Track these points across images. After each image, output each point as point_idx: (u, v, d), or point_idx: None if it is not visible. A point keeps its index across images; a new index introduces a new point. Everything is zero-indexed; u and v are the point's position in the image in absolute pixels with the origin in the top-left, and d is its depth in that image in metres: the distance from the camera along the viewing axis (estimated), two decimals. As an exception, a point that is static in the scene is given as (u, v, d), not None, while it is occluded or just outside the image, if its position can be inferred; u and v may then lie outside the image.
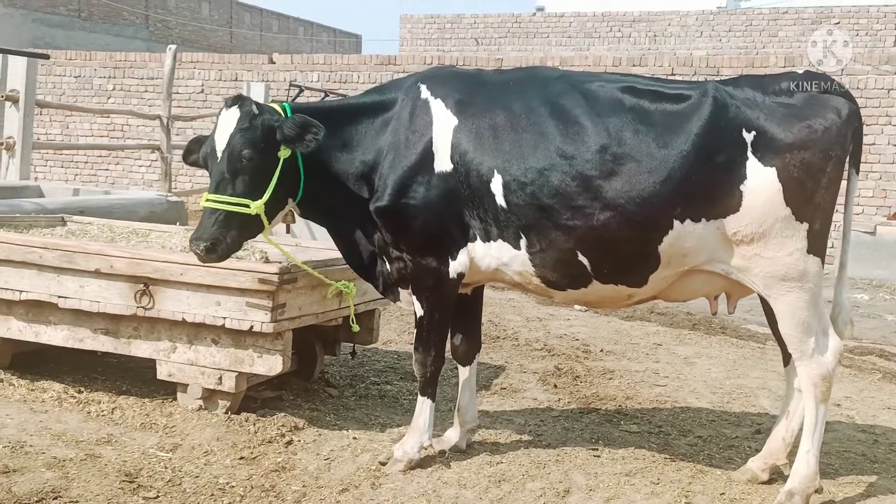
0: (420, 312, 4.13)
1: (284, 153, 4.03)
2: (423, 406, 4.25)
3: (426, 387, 4.24)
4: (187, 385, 4.72)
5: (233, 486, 3.94)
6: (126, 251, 4.68)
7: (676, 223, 3.66)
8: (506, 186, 3.80)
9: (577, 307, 8.43)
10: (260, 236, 4.25)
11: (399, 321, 7.38)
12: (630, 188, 3.63)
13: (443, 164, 3.93)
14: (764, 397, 5.87)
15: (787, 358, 4.16)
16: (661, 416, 5.29)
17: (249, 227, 4.07)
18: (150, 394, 4.98)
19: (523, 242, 3.86)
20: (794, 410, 4.12)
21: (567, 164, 3.70)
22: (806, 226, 3.65)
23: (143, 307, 4.63)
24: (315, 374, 5.49)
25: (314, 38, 54.90)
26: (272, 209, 4.12)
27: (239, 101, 4.23)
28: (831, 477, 4.33)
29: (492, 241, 3.94)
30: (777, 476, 4.24)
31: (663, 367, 6.57)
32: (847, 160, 3.76)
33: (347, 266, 4.90)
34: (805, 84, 3.76)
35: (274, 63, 15.88)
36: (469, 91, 4.01)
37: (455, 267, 4.02)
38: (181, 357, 4.71)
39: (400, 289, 4.29)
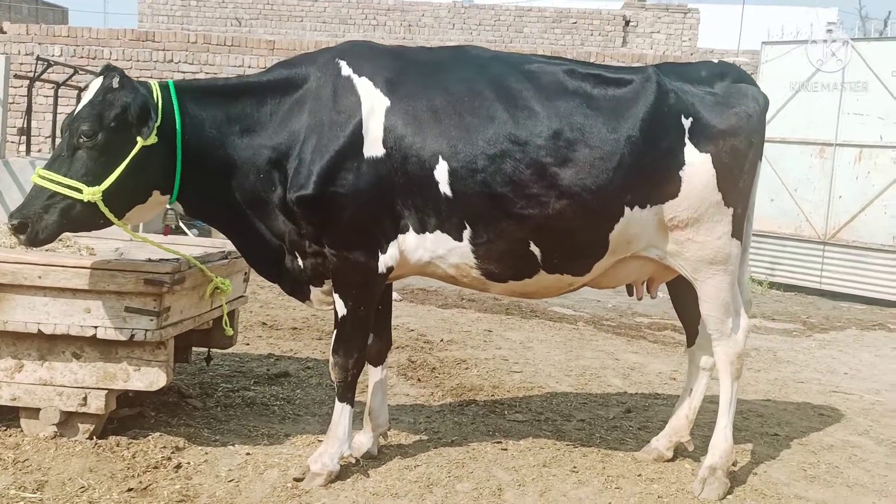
0: (343, 311, 3.76)
1: (143, 139, 3.48)
2: (343, 413, 3.90)
3: (346, 392, 3.89)
4: (38, 410, 3.96)
5: (141, 525, 3.36)
6: (-41, 251, 3.82)
7: (626, 210, 3.65)
8: (452, 174, 3.56)
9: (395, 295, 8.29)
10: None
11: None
12: (585, 175, 3.55)
13: (374, 148, 3.60)
14: (612, 376, 6.13)
15: (691, 339, 4.34)
16: (536, 403, 5.32)
17: (83, 215, 3.51)
18: (-26, 423, 4.13)
19: (467, 233, 3.63)
20: (697, 389, 4.31)
21: (520, 151, 3.53)
22: (731, 210, 3.81)
23: (-18, 319, 3.80)
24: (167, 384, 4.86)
25: (12, 8, 49.47)
26: (122, 200, 3.57)
27: (104, 71, 3.62)
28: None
29: (427, 233, 3.68)
30: (679, 453, 4.42)
31: (507, 353, 6.63)
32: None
33: (222, 262, 4.42)
34: (722, 73, 3.92)
35: (5, 33, 13.92)
36: (398, 69, 3.70)
37: (385, 261, 3.70)
38: (30, 377, 3.95)
39: (312, 287, 3.90)
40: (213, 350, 5.04)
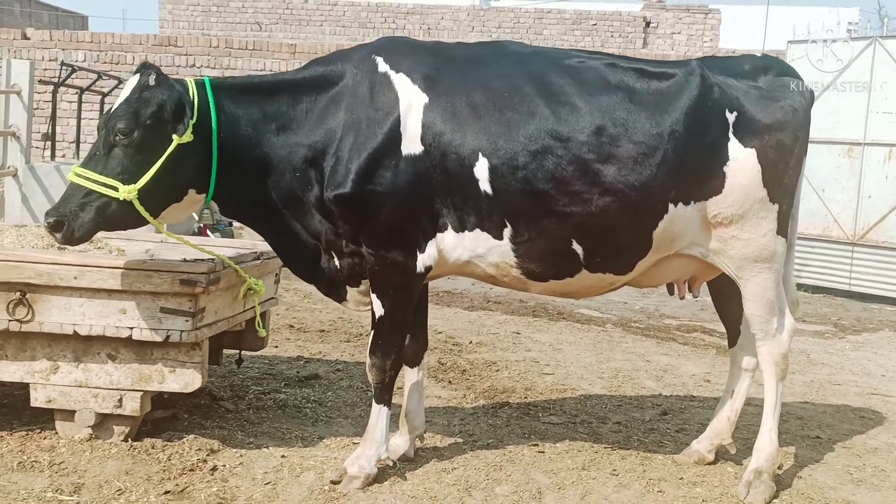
0: (380, 312, 3.71)
1: (179, 137, 3.45)
2: (380, 415, 3.84)
3: (383, 393, 3.83)
4: (73, 412, 3.93)
5: (179, 529, 3.31)
6: (-4, 252, 3.80)
7: (671, 207, 3.57)
8: (492, 171, 3.49)
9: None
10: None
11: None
12: (628, 171, 3.48)
13: (412, 146, 3.54)
14: (645, 378, 6.04)
15: (733, 340, 4.25)
16: (570, 405, 5.25)
17: (118, 213, 3.49)
18: (7, 426, 4.11)
19: (508, 232, 3.57)
20: (739, 390, 4.22)
21: (562, 147, 3.47)
22: (777, 207, 3.72)
23: (18, 320, 3.77)
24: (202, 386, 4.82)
25: (33, 16, 49.99)
26: (157, 199, 3.54)
27: (141, 69, 3.60)
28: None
29: (467, 231, 3.61)
30: (720, 456, 4.33)
31: (537, 355, 6.56)
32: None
33: (255, 263, 4.38)
34: (766, 67, 3.84)
35: (28, 39, 14.01)
36: (435, 65, 3.64)
37: (423, 260, 3.65)
38: (65, 378, 3.92)
39: (349, 288, 3.85)
40: (243, 352, 5.01)
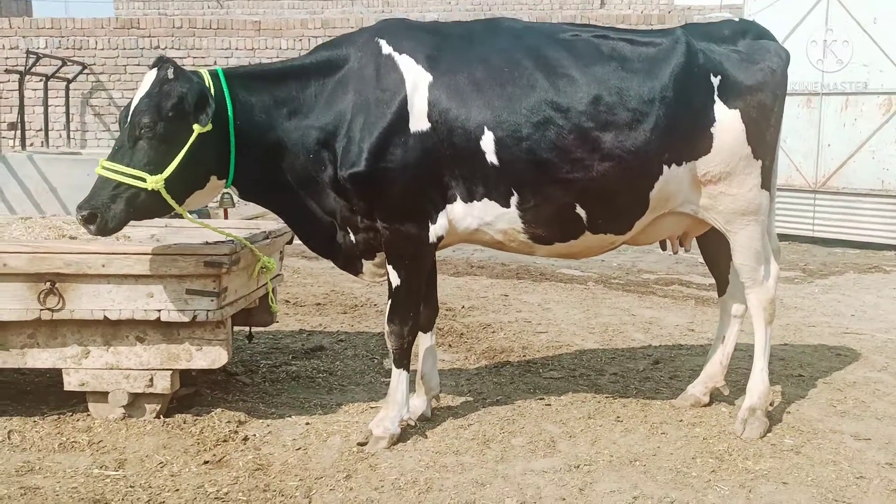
0: (397, 282, 3.93)
1: (201, 126, 3.63)
2: (400, 378, 4.08)
3: (402, 358, 4.07)
4: (107, 393, 4.12)
5: (227, 493, 3.53)
6: (25, 245, 3.94)
7: (665, 168, 3.83)
8: (498, 143, 3.71)
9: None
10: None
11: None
12: (625, 137, 3.72)
13: (420, 123, 3.74)
14: (633, 331, 6.35)
15: (722, 289, 4.54)
16: (567, 360, 5.53)
17: (147, 203, 3.67)
18: (37, 411, 4.29)
19: (514, 199, 3.80)
20: (729, 336, 4.53)
21: (563, 117, 3.70)
22: (760, 163, 4.00)
23: (49, 309, 3.93)
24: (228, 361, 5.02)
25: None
26: (182, 187, 3.72)
27: (159, 63, 3.75)
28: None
29: (475, 201, 3.84)
30: (714, 398, 4.64)
31: (529, 315, 6.84)
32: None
33: (266, 241, 4.57)
34: (743, 31, 4.09)
35: (-14, 27, 13.81)
36: (436, 45, 3.83)
37: (435, 231, 3.87)
38: (96, 362, 4.10)
39: (364, 261, 4.07)
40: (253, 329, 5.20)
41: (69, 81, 13.07)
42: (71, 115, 13.44)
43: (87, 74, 13.58)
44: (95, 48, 13.54)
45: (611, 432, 4.23)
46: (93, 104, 13.82)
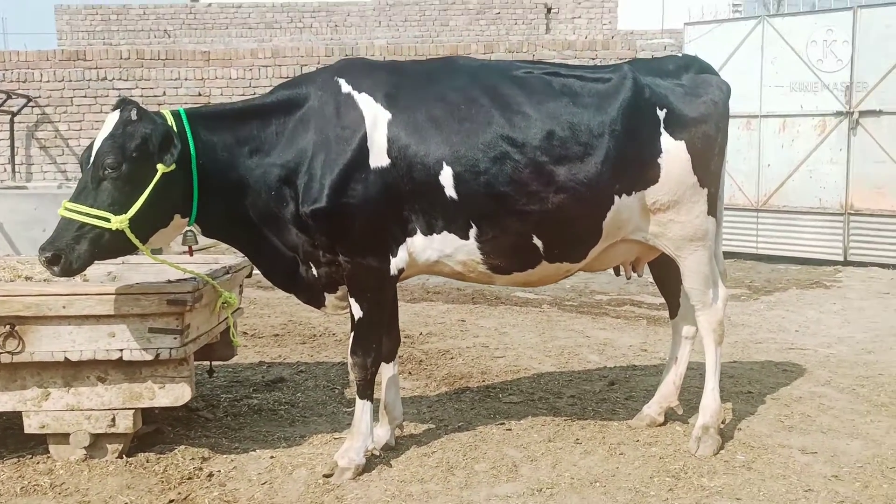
0: (359, 314, 4.00)
1: (165, 166, 3.68)
2: (364, 409, 4.14)
3: (365, 389, 4.13)
4: (68, 434, 4.10)
5: (195, 532, 3.55)
6: (-19, 289, 3.92)
7: (616, 198, 3.98)
8: (456, 177, 3.83)
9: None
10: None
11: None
12: (578, 169, 3.86)
13: (379, 159, 3.84)
14: (588, 353, 6.49)
15: (673, 311, 4.71)
16: (526, 384, 5.64)
17: (111, 243, 3.70)
18: (-3, 454, 4.25)
19: (473, 232, 3.91)
20: (682, 356, 4.68)
21: (518, 151, 3.83)
22: (706, 191, 4.18)
23: (9, 352, 3.92)
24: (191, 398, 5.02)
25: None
26: (146, 226, 3.76)
27: (121, 104, 3.80)
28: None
29: (435, 234, 3.94)
30: (669, 417, 4.79)
31: (486, 340, 6.94)
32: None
33: (226, 276, 4.60)
34: (687, 65, 4.28)
35: (-73, 61, 13.56)
36: (394, 83, 3.94)
37: (396, 263, 3.96)
38: (57, 404, 4.08)
39: (327, 294, 4.13)
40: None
41: (14, 114, 12.90)
42: (16, 149, 13.25)
43: (33, 107, 13.41)
44: (41, 80, 13.38)
45: (571, 454, 4.34)
46: (38, 137, 13.63)
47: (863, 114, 10.79)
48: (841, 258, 11.01)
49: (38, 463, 4.17)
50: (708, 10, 12.43)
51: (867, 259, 10.83)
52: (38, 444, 4.27)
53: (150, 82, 13.48)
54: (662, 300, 4.94)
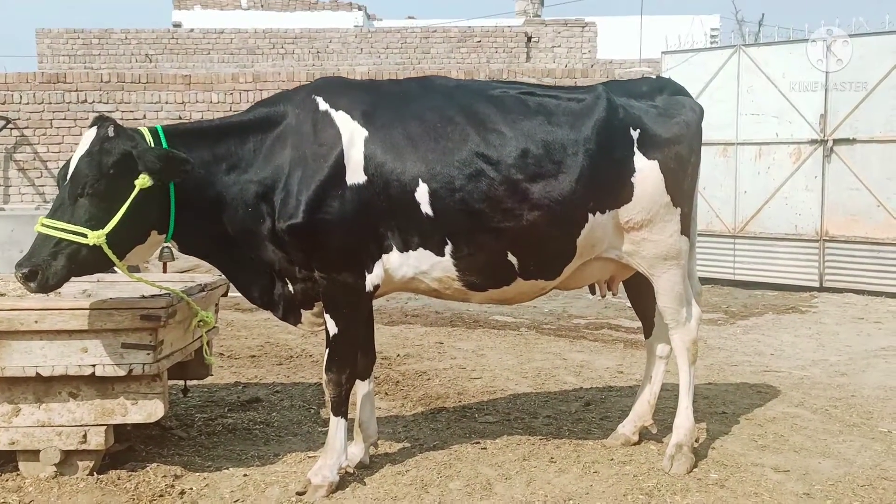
0: (334, 330, 4.00)
1: (143, 182, 3.69)
2: (339, 426, 4.12)
3: (340, 406, 4.12)
4: (38, 451, 4.06)
5: (165, 549, 3.51)
6: (-48, 303, 3.89)
7: (590, 216, 4.02)
8: (432, 194, 3.85)
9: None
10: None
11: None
12: (552, 187, 3.90)
13: (356, 176, 3.86)
14: (565, 375, 6.51)
15: (648, 331, 4.74)
16: (502, 405, 5.65)
17: (88, 259, 3.69)
18: (-35, 472, 4.19)
19: (448, 248, 3.93)
20: (656, 376, 4.71)
21: (493, 169, 3.86)
22: (679, 210, 4.23)
23: (-21, 367, 3.88)
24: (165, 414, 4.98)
25: None
26: (123, 242, 3.76)
27: (98, 121, 3.80)
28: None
29: (411, 251, 3.96)
30: (643, 436, 4.80)
31: (463, 362, 6.95)
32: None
33: (201, 294, 4.60)
34: (661, 87, 4.35)
35: None
36: (371, 101, 3.98)
37: (372, 280, 3.97)
38: (27, 420, 4.04)
39: (303, 310, 4.13)
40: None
41: (-9, 136, 12.85)
42: (-7, 171, 13.20)
43: (11, 129, 13.37)
44: (20, 102, 13.35)
45: (545, 473, 4.34)
46: (17, 159, 13.58)
47: (837, 142, 10.96)
48: (817, 284, 11.12)
49: (6, 480, 4.11)
50: (685, 40, 12.62)
51: (842, 285, 10.94)
52: (8, 461, 4.22)
53: (130, 105, 13.49)
54: (639, 324, 4.98)
